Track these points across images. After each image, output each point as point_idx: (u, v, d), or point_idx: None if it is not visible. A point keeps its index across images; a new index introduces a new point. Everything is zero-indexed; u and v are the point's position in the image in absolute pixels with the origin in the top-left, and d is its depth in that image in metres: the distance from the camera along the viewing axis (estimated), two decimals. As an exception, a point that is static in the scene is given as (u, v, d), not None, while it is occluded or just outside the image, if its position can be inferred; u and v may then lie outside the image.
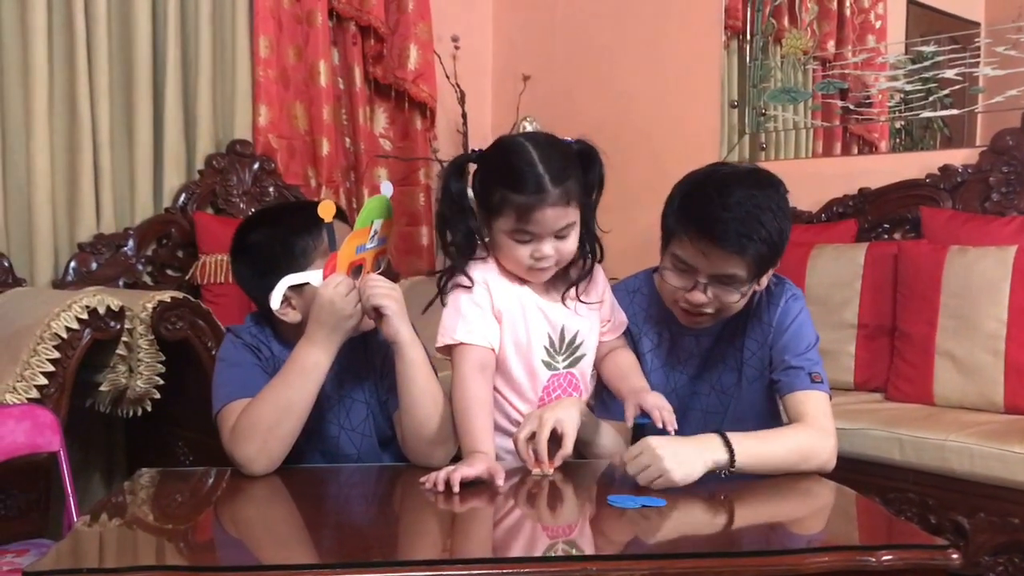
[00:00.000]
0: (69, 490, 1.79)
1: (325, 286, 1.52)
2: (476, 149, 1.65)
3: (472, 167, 1.63)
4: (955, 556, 1.20)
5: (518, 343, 1.64)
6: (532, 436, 1.53)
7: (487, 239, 1.63)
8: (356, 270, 1.57)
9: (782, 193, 1.64)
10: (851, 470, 1.70)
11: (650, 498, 1.38)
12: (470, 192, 1.63)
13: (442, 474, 1.43)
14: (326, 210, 1.54)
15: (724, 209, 1.57)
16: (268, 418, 1.50)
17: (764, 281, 1.68)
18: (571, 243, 1.60)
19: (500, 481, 1.43)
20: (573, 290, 1.67)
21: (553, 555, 1.21)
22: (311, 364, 1.52)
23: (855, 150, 3.24)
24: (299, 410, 1.52)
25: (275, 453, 1.52)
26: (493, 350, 1.61)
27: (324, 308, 1.52)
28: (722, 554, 1.20)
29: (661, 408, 1.56)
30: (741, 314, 1.72)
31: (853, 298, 2.69)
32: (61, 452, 1.80)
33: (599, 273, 1.72)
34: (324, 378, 1.54)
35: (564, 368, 1.69)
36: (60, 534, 1.77)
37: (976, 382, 2.39)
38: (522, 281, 1.65)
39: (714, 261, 1.60)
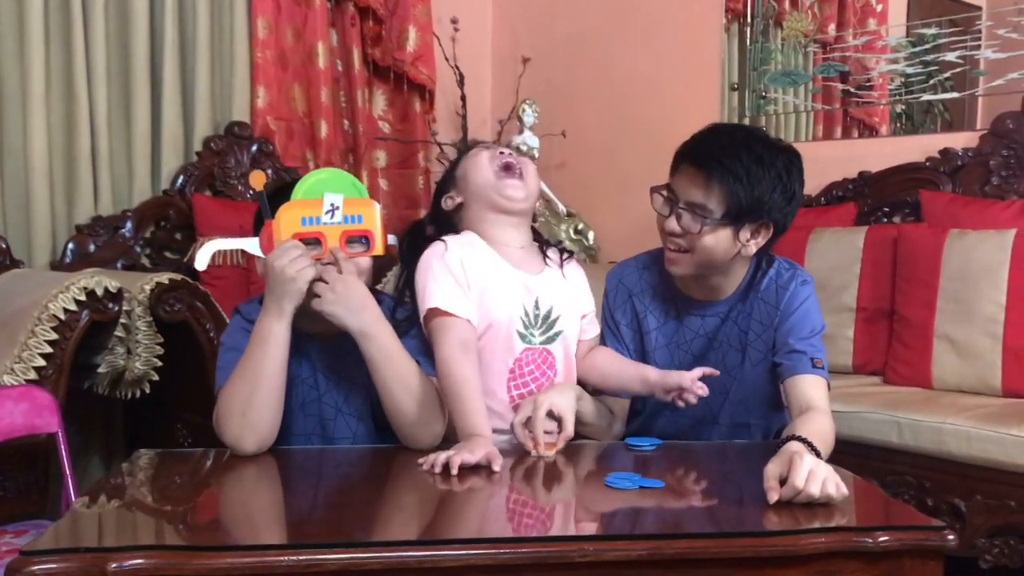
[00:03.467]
0: (67, 471, 1.79)
1: (273, 254, 1.53)
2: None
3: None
4: (951, 538, 1.21)
5: (491, 312, 1.65)
6: (529, 420, 1.54)
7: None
8: (313, 242, 1.57)
9: (792, 163, 1.64)
10: (849, 453, 1.70)
11: (648, 479, 1.38)
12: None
13: (442, 456, 1.43)
14: (256, 179, 1.60)
15: (713, 135, 1.65)
16: (240, 393, 1.51)
17: (752, 247, 1.66)
18: (533, 170, 1.70)
19: (497, 468, 1.43)
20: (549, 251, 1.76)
21: (550, 535, 1.22)
22: (265, 332, 1.52)
23: (855, 133, 3.23)
24: (267, 379, 1.52)
25: (259, 427, 1.52)
26: (470, 322, 1.62)
27: (268, 274, 1.53)
28: (719, 534, 1.20)
29: (694, 378, 1.63)
30: (748, 296, 1.73)
31: (852, 281, 2.69)
32: (59, 433, 1.80)
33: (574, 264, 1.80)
34: (286, 345, 1.53)
35: (540, 343, 1.69)
36: (59, 515, 1.77)
37: (974, 365, 2.39)
38: (498, 250, 1.69)
39: (691, 181, 1.63)
